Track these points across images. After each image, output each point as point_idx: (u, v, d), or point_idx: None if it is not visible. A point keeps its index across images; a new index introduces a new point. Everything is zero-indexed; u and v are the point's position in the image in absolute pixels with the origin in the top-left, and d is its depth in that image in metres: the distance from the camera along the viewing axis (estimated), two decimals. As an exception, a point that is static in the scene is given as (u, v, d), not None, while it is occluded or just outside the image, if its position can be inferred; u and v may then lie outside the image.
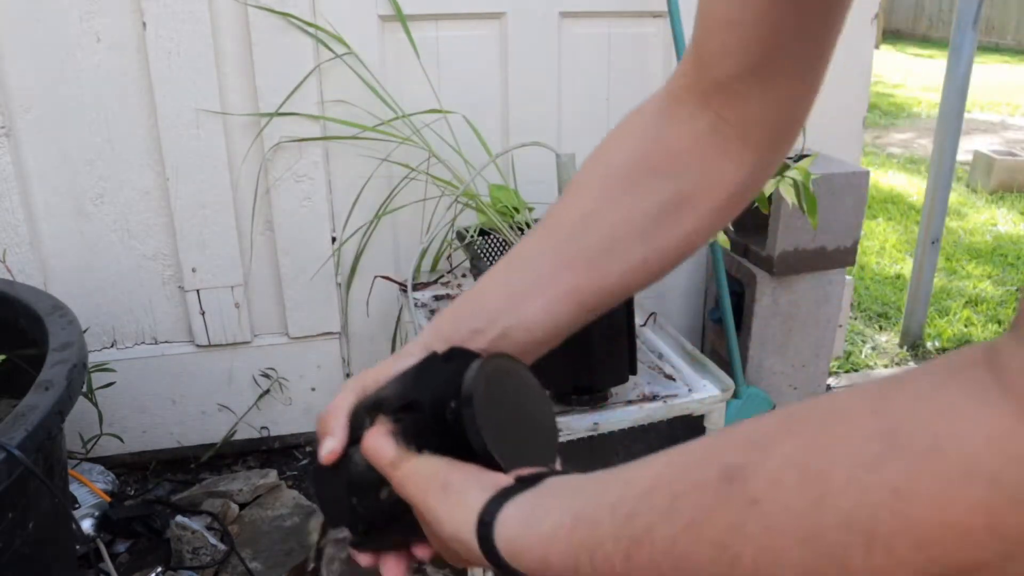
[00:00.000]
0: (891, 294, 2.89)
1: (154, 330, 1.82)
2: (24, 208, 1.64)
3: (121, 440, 1.81)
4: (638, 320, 1.48)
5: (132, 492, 1.80)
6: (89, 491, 1.59)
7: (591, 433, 1.20)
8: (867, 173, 1.84)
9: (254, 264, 1.81)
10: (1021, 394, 0.26)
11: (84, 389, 1.62)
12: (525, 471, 0.46)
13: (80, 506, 1.54)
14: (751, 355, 1.87)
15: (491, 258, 1.55)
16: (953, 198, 3.52)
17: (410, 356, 0.54)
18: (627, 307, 1.19)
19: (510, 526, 0.42)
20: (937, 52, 8.93)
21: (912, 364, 2.44)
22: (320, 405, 1.92)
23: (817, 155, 1.57)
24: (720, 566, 0.33)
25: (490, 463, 0.47)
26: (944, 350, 2.51)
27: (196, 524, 1.56)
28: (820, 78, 0.55)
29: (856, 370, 2.39)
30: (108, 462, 1.79)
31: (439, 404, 0.49)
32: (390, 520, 0.51)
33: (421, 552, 0.53)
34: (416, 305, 1.61)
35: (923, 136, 5.43)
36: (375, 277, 1.81)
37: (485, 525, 0.43)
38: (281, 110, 1.68)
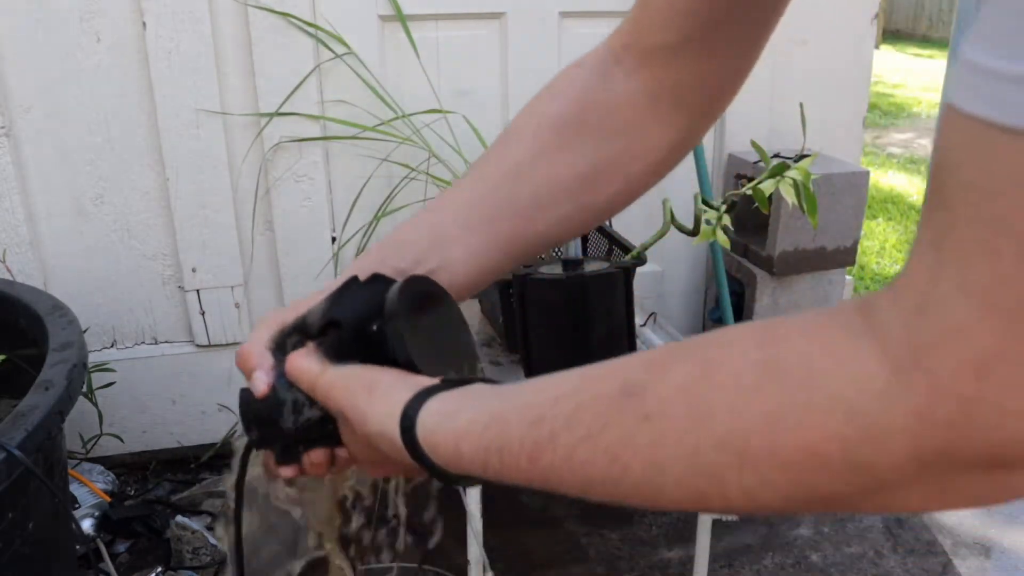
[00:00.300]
0: (891, 294, 2.89)
1: (154, 330, 1.82)
2: (24, 208, 1.64)
3: (121, 440, 1.81)
4: (638, 320, 1.47)
5: (132, 492, 1.80)
6: (89, 491, 1.59)
7: (591, 433, 1.19)
8: (867, 173, 1.84)
9: (254, 264, 1.81)
10: (886, 343, 0.28)
11: (84, 389, 1.62)
12: (451, 377, 0.48)
13: (80, 506, 1.54)
14: (751, 355, 1.86)
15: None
16: (953, 198, 3.50)
17: (328, 292, 0.56)
18: (627, 307, 1.18)
19: (431, 419, 0.44)
20: (937, 52, 8.93)
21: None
22: (320, 405, 1.92)
23: (817, 155, 1.57)
24: (612, 474, 0.36)
25: (414, 373, 0.48)
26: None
27: (196, 524, 1.56)
28: (757, 55, 0.59)
29: (856, 370, 2.39)
30: (108, 462, 1.79)
31: (361, 323, 0.50)
32: (315, 437, 0.52)
33: (343, 454, 0.54)
34: (416, 305, 1.60)
35: (923, 136, 5.43)
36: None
37: (408, 417, 0.44)
38: (281, 110, 1.68)
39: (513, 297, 1.23)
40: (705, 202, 1.37)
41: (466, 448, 0.42)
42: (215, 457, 1.89)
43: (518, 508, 1.77)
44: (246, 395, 0.54)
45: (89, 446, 1.76)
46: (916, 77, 7.68)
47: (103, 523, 1.55)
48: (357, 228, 1.80)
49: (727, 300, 1.81)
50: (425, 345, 0.50)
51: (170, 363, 1.82)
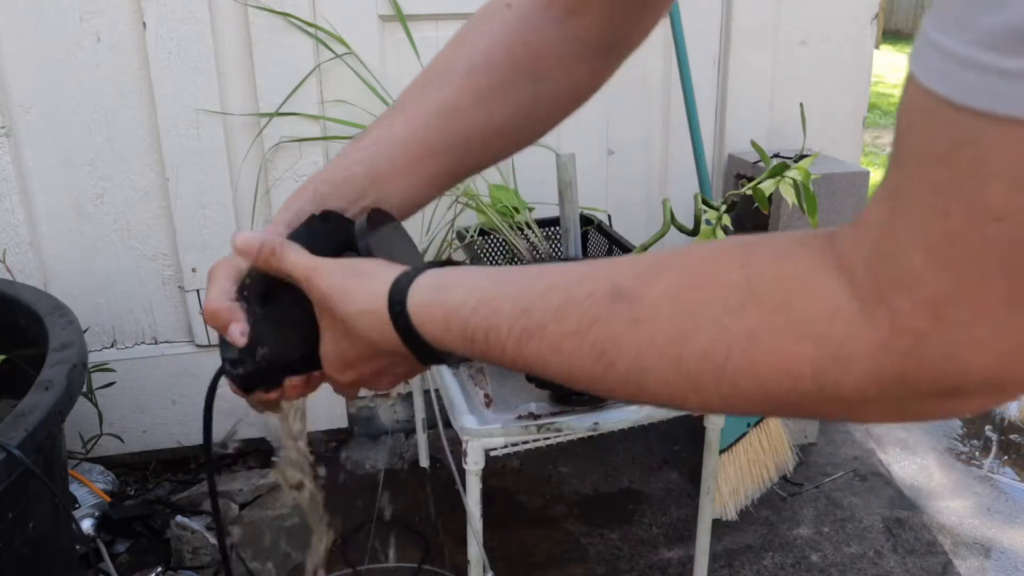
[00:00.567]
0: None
1: (154, 330, 1.82)
2: (24, 208, 1.64)
3: (121, 440, 1.81)
4: (638, 320, 1.47)
5: (132, 492, 1.80)
6: (89, 491, 1.59)
7: (591, 433, 1.19)
8: (867, 173, 1.84)
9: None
10: (853, 279, 0.31)
11: (84, 389, 1.62)
12: (438, 261, 0.50)
13: (80, 506, 1.54)
14: (751, 355, 1.87)
15: (491, 258, 1.55)
16: (953, 198, 3.51)
17: (271, 233, 0.58)
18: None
19: (420, 294, 0.45)
20: (937, 52, 8.91)
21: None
22: (320, 405, 1.92)
23: (817, 155, 1.57)
24: (597, 368, 0.38)
25: None
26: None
27: (196, 524, 1.56)
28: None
29: (856, 370, 2.39)
30: (108, 462, 1.79)
31: (331, 250, 0.54)
32: (295, 363, 0.56)
33: (317, 375, 0.57)
34: (416, 305, 1.60)
35: (923, 136, 5.42)
36: (375, 277, 1.81)
37: (398, 291, 0.46)
38: (281, 110, 1.68)
39: (513, 297, 1.23)
40: (705, 202, 1.37)
41: (454, 326, 0.43)
42: (215, 457, 1.89)
43: (518, 508, 1.77)
44: (227, 350, 0.58)
45: (89, 446, 1.76)
46: (916, 77, 7.67)
47: (103, 523, 1.55)
48: (357, 228, 1.80)
49: (727, 300, 1.80)
50: (396, 256, 0.54)
51: (170, 363, 1.82)
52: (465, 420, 1.16)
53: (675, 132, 1.94)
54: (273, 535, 1.64)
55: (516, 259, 1.49)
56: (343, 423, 1.97)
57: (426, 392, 1.82)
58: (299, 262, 0.52)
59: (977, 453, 1.98)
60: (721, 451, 1.68)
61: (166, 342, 1.83)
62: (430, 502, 1.78)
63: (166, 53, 1.61)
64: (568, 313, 0.39)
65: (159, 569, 1.51)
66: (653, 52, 1.89)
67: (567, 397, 1.20)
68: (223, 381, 0.62)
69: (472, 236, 1.55)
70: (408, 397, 1.99)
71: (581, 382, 0.40)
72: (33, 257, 1.68)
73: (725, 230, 1.32)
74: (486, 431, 1.14)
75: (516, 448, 1.20)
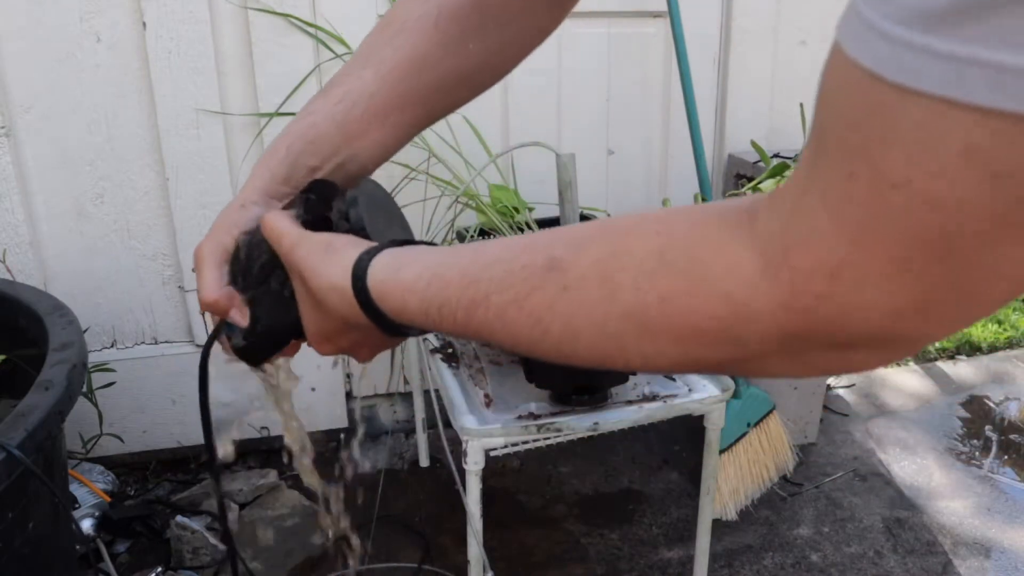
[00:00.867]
0: (891, 294, 2.89)
1: (154, 330, 1.82)
2: (24, 208, 1.64)
3: (121, 440, 1.81)
4: (638, 320, 1.47)
5: (132, 492, 1.80)
6: (89, 491, 1.59)
7: (591, 433, 1.20)
8: (867, 173, 1.84)
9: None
10: (760, 241, 0.33)
11: (84, 389, 1.62)
12: (397, 239, 0.53)
13: (80, 506, 1.54)
14: (751, 355, 1.87)
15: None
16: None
17: (253, 204, 0.60)
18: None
19: (379, 272, 0.48)
20: (937, 52, 8.92)
21: (912, 364, 2.44)
22: (320, 405, 1.92)
23: (817, 155, 1.57)
24: (535, 334, 0.41)
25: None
26: (944, 350, 2.51)
27: (196, 524, 1.56)
28: None
29: (856, 370, 2.39)
30: (108, 462, 1.79)
31: (323, 208, 0.56)
32: (276, 323, 0.59)
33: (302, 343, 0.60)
34: (416, 305, 1.60)
35: (923, 136, 5.42)
36: (375, 277, 1.81)
37: (360, 269, 0.49)
38: (281, 110, 1.68)
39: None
40: (705, 202, 1.37)
41: (411, 300, 0.46)
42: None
43: (518, 508, 1.77)
44: (229, 330, 0.61)
45: (89, 446, 1.76)
46: (916, 77, 7.67)
47: (103, 523, 1.55)
48: (357, 228, 1.80)
49: (727, 300, 1.80)
50: (378, 224, 0.57)
51: (170, 363, 1.82)
52: (465, 420, 1.16)
53: (675, 132, 1.94)
54: (273, 535, 1.64)
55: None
56: (343, 423, 1.97)
57: (426, 392, 1.82)
58: (285, 233, 0.54)
59: (977, 453, 1.98)
60: (721, 451, 1.68)
61: (166, 342, 1.83)
62: (430, 502, 1.78)
63: (166, 53, 1.61)
64: (509, 284, 0.42)
65: (159, 569, 1.51)
66: (653, 52, 1.89)
67: (567, 397, 1.20)
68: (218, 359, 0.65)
69: (472, 236, 1.55)
70: (408, 397, 1.99)
71: (522, 347, 0.43)
72: (33, 257, 1.68)
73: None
74: (486, 431, 1.14)
75: (516, 448, 1.20)
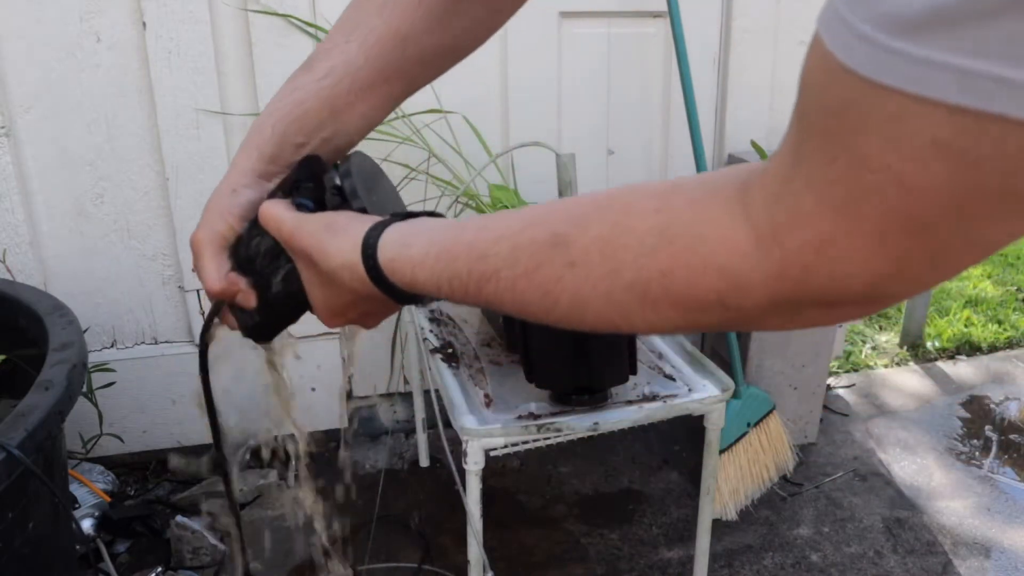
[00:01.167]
0: (891, 294, 2.89)
1: (154, 330, 1.82)
2: (24, 208, 1.64)
3: (121, 440, 1.81)
4: (638, 320, 1.47)
5: (132, 492, 1.80)
6: (89, 491, 1.59)
7: (591, 433, 1.20)
8: (867, 173, 1.84)
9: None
10: (753, 218, 0.36)
11: (84, 389, 1.62)
12: (399, 212, 0.55)
13: (80, 506, 1.54)
14: (751, 355, 1.87)
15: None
16: (953, 198, 3.51)
17: (244, 188, 0.62)
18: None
19: (389, 248, 0.51)
20: (937, 52, 8.92)
21: (912, 364, 2.44)
22: (320, 405, 1.92)
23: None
24: (545, 305, 0.44)
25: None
26: (944, 350, 2.51)
27: (196, 524, 1.56)
28: None
29: (856, 370, 2.40)
30: (108, 462, 1.79)
31: (320, 192, 0.57)
32: (285, 304, 0.61)
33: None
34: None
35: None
36: (375, 277, 1.81)
37: (369, 246, 0.51)
38: (281, 110, 1.68)
39: (513, 297, 1.23)
40: (705, 202, 1.36)
41: (421, 275, 0.49)
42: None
43: (518, 508, 1.77)
44: (239, 314, 0.63)
45: (89, 446, 1.76)
46: (916, 77, 7.67)
47: (103, 523, 1.55)
48: (357, 228, 1.80)
49: (727, 300, 1.80)
50: (373, 197, 0.58)
51: (170, 363, 1.82)
52: (465, 420, 1.16)
53: (675, 132, 1.94)
54: (273, 535, 1.64)
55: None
56: (344, 423, 1.97)
57: (426, 392, 1.82)
58: (284, 220, 0.56)
59: (977, 453, 1.98)
60: (721, 451, 1.68)
61: (166, 342, 1.83)
62: (430, 502, 1.78)
63: (166, 53, 1.61)
64: (516, 259, 0.45)
65: (159, 569, 1.51)
66: (653, 52, 1.89)
67: (567, 397, 1.20)
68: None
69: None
70: (408, 397, 1.99)
71: (533, 316, 0.46)
72: (33, 257, 1.68)
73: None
74: (486, 431, 1.14)
75: (516, 448, 1.20)
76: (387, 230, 0.51)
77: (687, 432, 1.99)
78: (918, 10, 0.27)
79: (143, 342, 1.82)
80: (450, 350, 1.40)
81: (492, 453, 1.17)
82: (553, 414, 1.18)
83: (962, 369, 2.41)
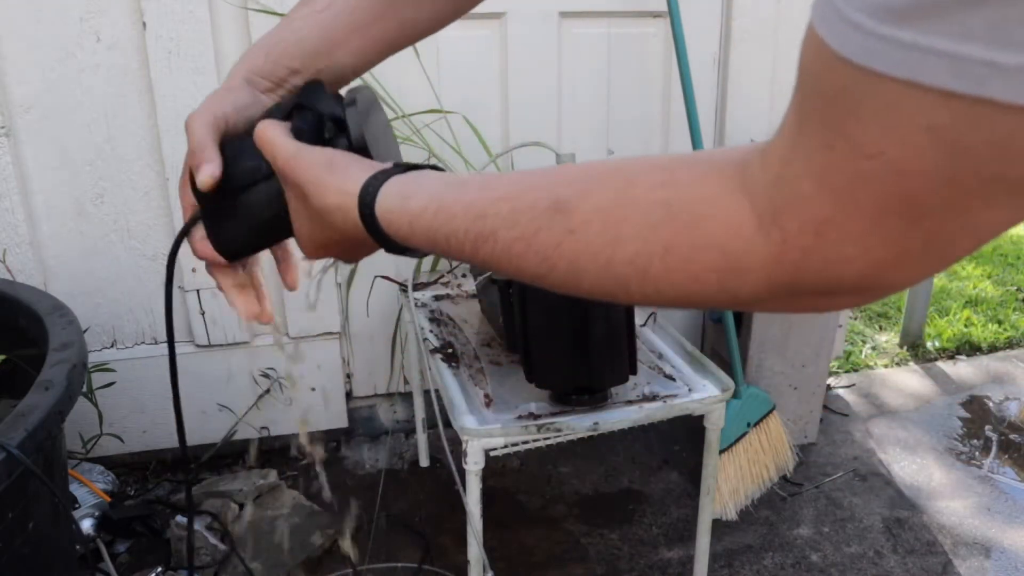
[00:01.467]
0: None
1: (154, 330, 1.82)
2: (24, 208, 1.64)
3: (121, 440, 1.81)
4: (638, 320, 1.48)
5: (132, 492, 1.80)
6: (89, 491, 1.59)
7: (591, 433, 1.20)
8: (867, 173, 1.84)
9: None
10: (754, 201, 0.36)
11: (84, 389, 1.62)
12: (401, 163, 0.53)
13: (80, 506, 1.54)
14: (751, 355, 1.87)
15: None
16: (953, 198, 3.51)
17: (236, 90, 0.62)
18: (627, 307, 1.18)
19: (388, 199, 0.50)
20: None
21: (912, 364, 2.44)
22: (320, 406, 1.92)
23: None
24: (542, 269, 0.44)
25: (367, 157, 0.55)
26: (944, 350, 2.51)
27: (196, 524, 1.56)
28: None
29: (856, 370, 2.40)
30: (108, 462, 1.79)
31: (321, 120, 0.56)
32: (267, 221, 0.59)
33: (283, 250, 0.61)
34: (416, 305, 1.61)
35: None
36: (375, 277, 1.81)
37: (368, 194, 0.50)
38: (281, 110, 1.68)
39: (513, 297, 1.23)
40: (705, 202, 1.37)
41: (418, 229, 0.49)
42: (215, 457, 1.89)
43: (518, 508, 1.77)
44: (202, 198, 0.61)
45: (89, 446, 1.76)
46: (916, 77, 7.67)
47: (103, 523, 1.55)
48: (357, 228, 1.80)
49: (727, 300, 1.80)
50: (373, 135, 0.57)
51: (170, 363, 1.82)
52: (465, 420, 1.16)
53: (675, 132, 1.94)
54: (273, 535, 1.64)
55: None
56: (343, 423, 1.97)
57: (426, 392, 1.82)
58: (281, 145, 0.55)
59: (977, 453, 1.98)
60: (721, 451, 1.68)
61: (166, 342, 1.83)
62: (430, 502, 1.78)
63: (166, 53, 1.61)
64: (516, 221, 0.44)
65: (159, 569, 1.51)
66: (653, 52, 1.89)
67: (567, 397, 1.20)
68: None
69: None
70: (408, 397, 1.99)
71: (529, 279, 0.45)
72: (33, 257, 1.68)
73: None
74: (486, 431, 1.14)
75: (516, 448, 1.20)
76: (388, 181, 0.51)
77: (687, 432, 1.99)
78: None
79: (143, 342, 1.82)
80: (450, 350, 1.40)
81: (492, 453, 1.17)
82: (553, 414, 1.18)
83: (962, 369, 2.41)
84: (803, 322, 1.87)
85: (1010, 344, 2.57)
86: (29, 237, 1.66)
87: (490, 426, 1.15)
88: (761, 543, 1.66)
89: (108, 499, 1.59)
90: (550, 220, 0.43)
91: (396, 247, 0.51)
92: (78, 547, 1.44)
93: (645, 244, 0.39)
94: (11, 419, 0.97)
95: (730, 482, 1.72)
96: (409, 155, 1.70)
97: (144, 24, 1.59)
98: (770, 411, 1.84)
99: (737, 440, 1.75)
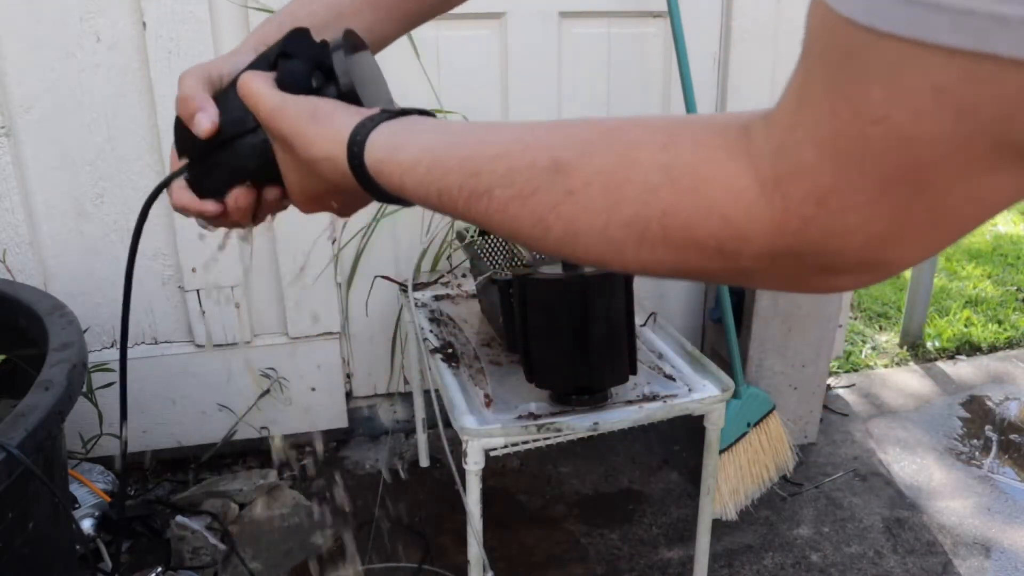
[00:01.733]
0: (891, 294, 2.89)
1: (154, 330, 1.82)
2: (24, 208, 1.64)
3: (121, 440, 1.81)
4: (638, 320, 1.47)
5: (132, 492, 1.80)
6: (89, 491, 1.59)
7: (591, 433, 1.20)
8: (867, 173, 1.84)
9: (254, 264, 1.81)
10: (757, 166, 0.35)
11: (84, 389, 1.62)
12: (389, 108, 0.51)
13: (80, 506, 1.54)
14: (751, 355, 1.87)
15: (491, 258, 1.55)
16: (953, 198, 3.51)
17: (240, 54, 0.61)
18: (627, 307, 1.18)
19: (377, 148, 0.48)
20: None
21: (912, 365, 2.44)
22: (320, 405, 1.92)
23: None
24: (536, 231, 0.43)
25: (356, 104, 0.53)
26: (944, 350, 2.51)
27: (196, 524, 1.56)
28: None
29: (856, 370, 2.40)
30: (108, 462, 1.79)
31: (308, 61, 0.55)
32: (254, 166, 0.58)
33: (270, 194, 0.60)
34: (416, 305, 1.61)
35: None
36: (375, 277, 1.81)
37: (357, 143, 0.49)
38: (281, 110, 1.68)
39: (513, 297, 1.23)
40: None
41: (409, 182, 0.47)
42: (215, 457, 1.89)
43: (518, 508, 1.77)
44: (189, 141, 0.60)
45: (89, 446, 1.76)
46: (916, 77, 7.67)
47: (103, 523, 1.55)
48: (356, 229, 1.80)
49: (727, 300, 1.81)
50: (362, 81, 0.55)
51: (170, 363, 1.82)
52: (465, 420, 1.16)
53: (675, 132, 1.94)
54: (273, 535, 1.64)
55: (516, 259, 1.49)
56: (343, 423, 1.97)
57: (426, 392, 1.82)
58: (264, 97, 0.54)
59: (977, 453, 1.98)
60: (721, 451, 1.69)
61: (166, 342, 1.83)
62: (430, 502, 1.78)
63: (166, 53, 1.61)
64: (512, 180, 0.43)
65: (159, 569, 1.51)
66: (653, 52, 1.89)
67: (567, 397, 1.20)
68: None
69: (472, 236, 1.55)
70: (408, 397, 1.99)
71: (522, 240, 0.44)
72: (33, 257, 1.68)
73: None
74: (486, 431, 1.14)
75: (516, 448, 1.20)
76: (377, 128, 0.49)
77: (687, 432, 1.99)
78: None
79: (143, 342, 1.82)
80: (450, 350, 1.40)
81: (492, 453, 1.17)
82: (553, 414, 1.18)
83: (962, 369, 2.41)
84: (803, 322, 1.87)
85: (1010, 344, 2.57)
86: (29, 237, 1.66)
87: (490, 426, 1.15)
88: (761, 543, 1.66)
89: (108, 499, 1.59)
90: (549, 181, 0.42)
91: (388, 197, 0.50)
92: (78, 547, 1.43)
93: (644, 207, 0.38)
94: (11, 419, 0.97)
95: (730, 482, 1.72)
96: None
97: (144, 24, 1.59)
98: (770, 411, 1.84)
99: (737, 440, 1.75)
